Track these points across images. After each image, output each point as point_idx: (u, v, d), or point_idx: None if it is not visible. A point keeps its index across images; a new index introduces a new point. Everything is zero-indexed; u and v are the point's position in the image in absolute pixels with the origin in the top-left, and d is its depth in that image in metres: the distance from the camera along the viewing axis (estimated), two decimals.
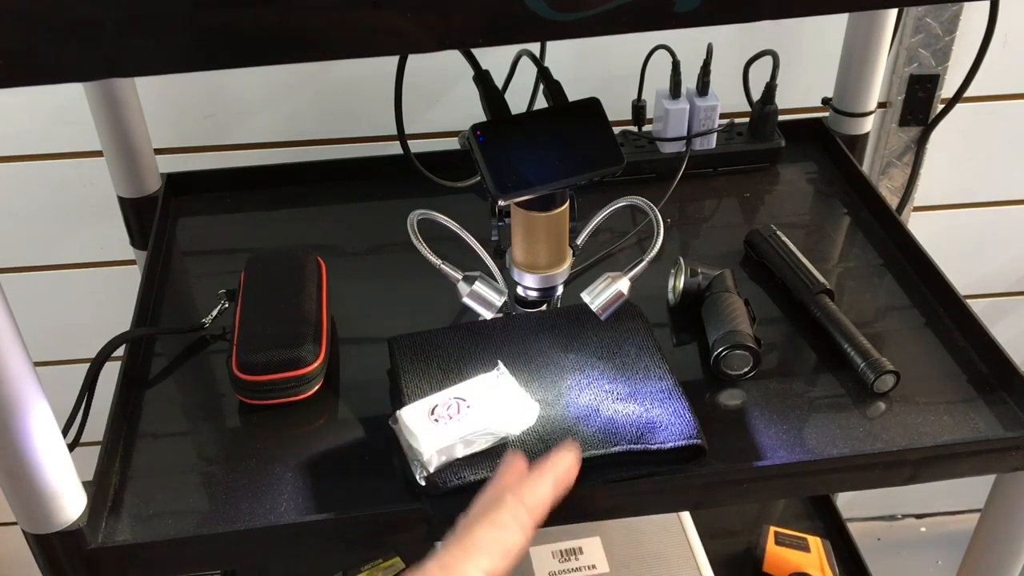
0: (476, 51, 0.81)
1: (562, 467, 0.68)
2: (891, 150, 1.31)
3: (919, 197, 1.36)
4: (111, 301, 1.28)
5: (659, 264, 0.90)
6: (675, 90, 1.07)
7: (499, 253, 0.88)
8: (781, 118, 1.12)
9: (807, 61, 1.20)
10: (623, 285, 0.81)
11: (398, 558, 1.21)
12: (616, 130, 0.88)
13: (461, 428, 0.73)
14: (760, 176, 1.11)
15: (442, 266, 0.84)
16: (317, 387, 0.83)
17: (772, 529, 1.24)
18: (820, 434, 0.79)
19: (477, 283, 0.83)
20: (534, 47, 0.98)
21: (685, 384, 0.80)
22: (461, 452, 0.73)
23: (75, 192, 1.22)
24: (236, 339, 0.84)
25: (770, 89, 1.08)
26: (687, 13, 0.52)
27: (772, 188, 1.09)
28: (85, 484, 0.73)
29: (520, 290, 0.86)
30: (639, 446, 0.74)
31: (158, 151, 1.10)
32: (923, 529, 1.78)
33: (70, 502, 0.70)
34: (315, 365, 0.82)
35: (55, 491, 0.68)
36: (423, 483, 0.72)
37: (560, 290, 0.86)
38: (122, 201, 1.08)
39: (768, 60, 1.07)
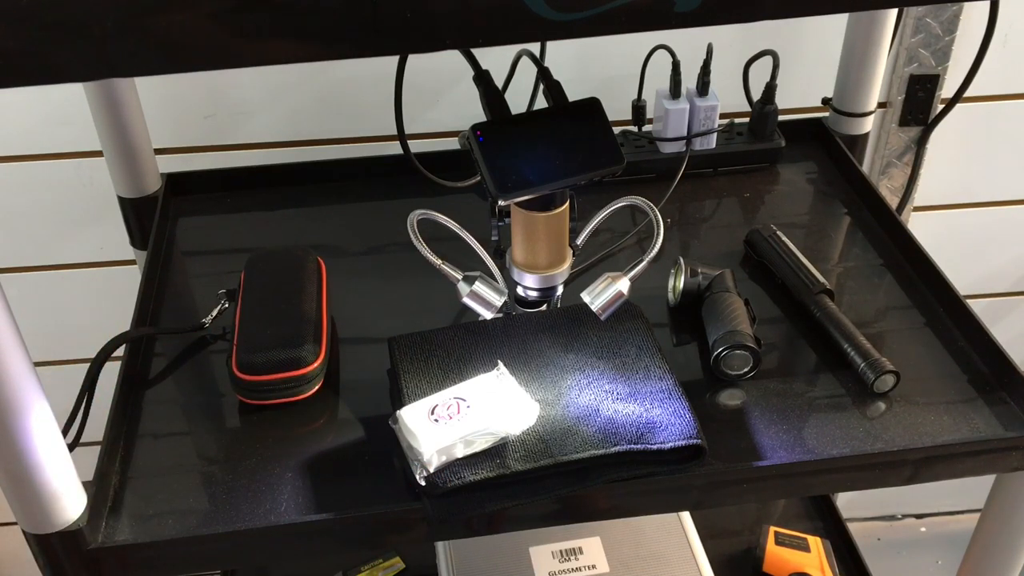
0: (476, 51, 0.81)
1: None
2: (891, 150, 1.31)
3: (919, 197, 1.36)
4: (111, 301, 1.28)
5: (659, 264, 0.90)
6: (675, 90, 1.07)
7: (499, 253, 0.88)
8: (781, 118, 1.12)
9: (807, 61, 1.20)
10: (623, 285, 0.81)
11: (398, 558, 1.22)
12: (616, 130, 0.88)
13: (461, 428, 0.73)
14: (760, 176, 1.11)
15: (442, 266, 0.84)
16: (317, 387, 0.83)
17: (772, 529, 1.24)
18: (820, 434, 0.79)
19: (477, 283, 0.83)
20: (534, 47, 0.98)
21: (685, 384, 0.80)
22: (461, 452, 0.73)
23: (75, 192, 1.22)
24: (236, 339, 0.84)
25: (770, 89, 1.08)
26: (687, 13, 0.52)
27: (772, 188, 1.09)
28: (85, 484, 0.73)
29: (520, 290, 0.86)
30: (639, 446, 0.74)
31: (158, 151, 1.10)
32: (923, 529, 1.78)
33: (70, 502, 0.70)
34: (315, 365, 0.82)
35: (55, 491, 0.68)
36: (423, 483, 0.72)
37: (560, 290, 0.86)
38: (122, 201, 1.08)
39: (768, 60, 1.07)
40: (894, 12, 1.10)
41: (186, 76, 1.10)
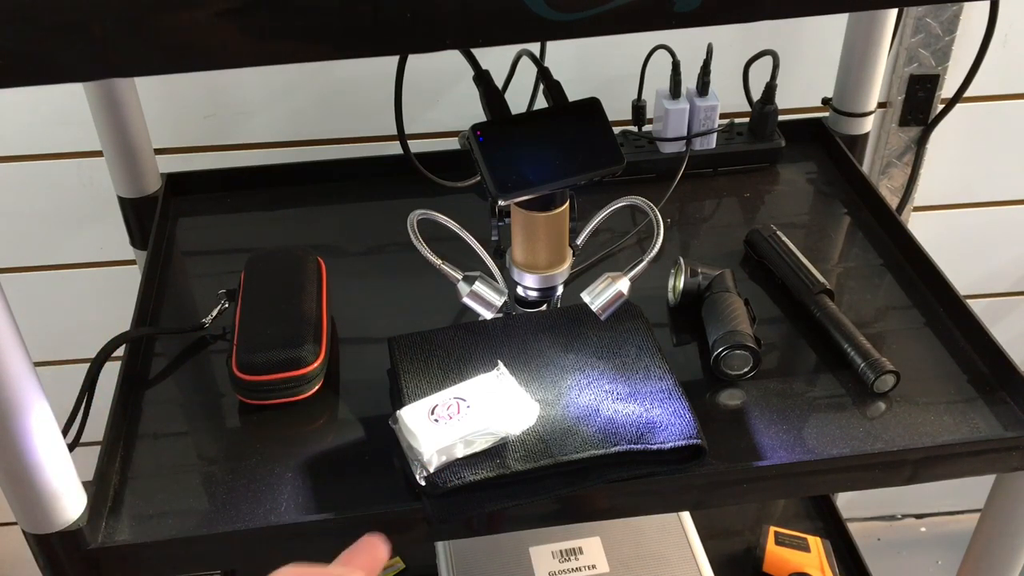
0: (476, 51, 0.81)
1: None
2: (891, 150, 1.31)
3: (919, 197, 1.36)
4: (111, 301, 1.28)
5: (659, 264, 0.90)
6: (675, 90, 1.07)
7: (499, 253, 0.88)
8: (781, 118, 1.12)
9: (807, 61, 1.20)
10: (623, 285, 0.81)
11: (398, 558, 1.21)
12: (616, 130, 0.88)
13: (461, 428, 0.73)
14: (760, 176, 1.11)
15: (442, 266, 0.84)
16: (317, 387, 0.83)
17: (772, 529, 1.24)
18: (820, 434, 0.79)
19: (477, 283, 0.83)
20: (534, 47, 0.98)
21: (685, 384, 0.80)
22: (461, 452, 0.73)
23: (75, 192, 1.22)
24: (236, 339, 0.84)
25: (770, 89, 1.08)
26: (687, 13, 0.52)
27: (772, 188, 1.09)
28: (85, 484, 0.73)
29: (520, 290, 0.86)
30: (639, 446, 0.74)
31: (158, 151, 1.10)
32: (923, 529, 1.78)
33: (70, 502, 0.70)
34: (315, 365, 0.82)
35: (55, 491, 0.68)
36: (423, 483, 0.72)
37: (560, 290, 0.86)
38: (122, 201, 1.08)
39: (768, 60, 1.07)
40: (894, 12, 1.10)
41: (186, 76, 1.10)
